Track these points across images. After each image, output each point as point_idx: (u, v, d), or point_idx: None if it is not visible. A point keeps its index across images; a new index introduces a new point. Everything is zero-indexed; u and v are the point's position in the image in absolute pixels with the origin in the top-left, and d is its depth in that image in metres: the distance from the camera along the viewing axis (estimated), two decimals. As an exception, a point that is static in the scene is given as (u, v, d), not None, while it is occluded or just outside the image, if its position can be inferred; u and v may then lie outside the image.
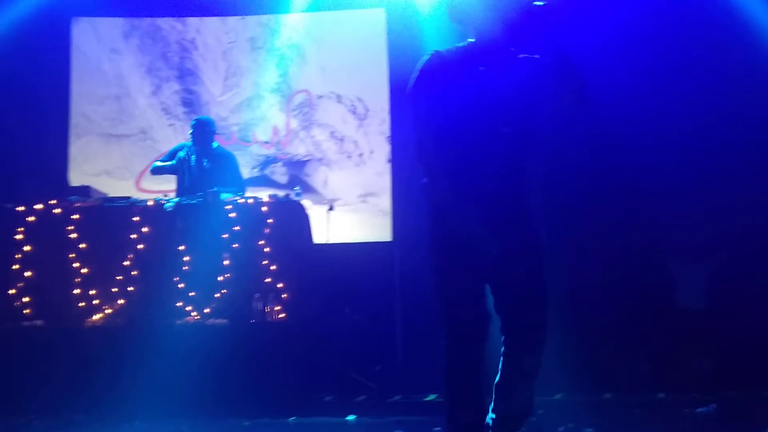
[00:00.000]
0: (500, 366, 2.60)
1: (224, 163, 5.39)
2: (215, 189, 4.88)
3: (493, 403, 2.61)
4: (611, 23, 5.38)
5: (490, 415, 2.59)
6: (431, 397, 4.48)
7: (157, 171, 5.51)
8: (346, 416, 4.25)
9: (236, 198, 4.94)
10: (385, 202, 6.31)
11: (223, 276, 4.71)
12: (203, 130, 5.36)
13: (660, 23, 5.47)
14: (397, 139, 6.29)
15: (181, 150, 5.46)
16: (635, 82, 5.38)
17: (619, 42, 5.36)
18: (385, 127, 6.47)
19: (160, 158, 5.64)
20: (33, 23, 6.02)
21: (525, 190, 2.57)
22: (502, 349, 2.61)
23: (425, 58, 2.58)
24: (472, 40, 2.60)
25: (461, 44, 2.62)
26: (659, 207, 5.35)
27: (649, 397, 4.56)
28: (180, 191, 5.31)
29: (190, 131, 5.40)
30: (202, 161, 5.35)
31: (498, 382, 2.60)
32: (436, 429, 3.64)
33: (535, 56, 2.54)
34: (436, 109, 2.53)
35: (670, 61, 5.44)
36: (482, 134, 2.50)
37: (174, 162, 5.43)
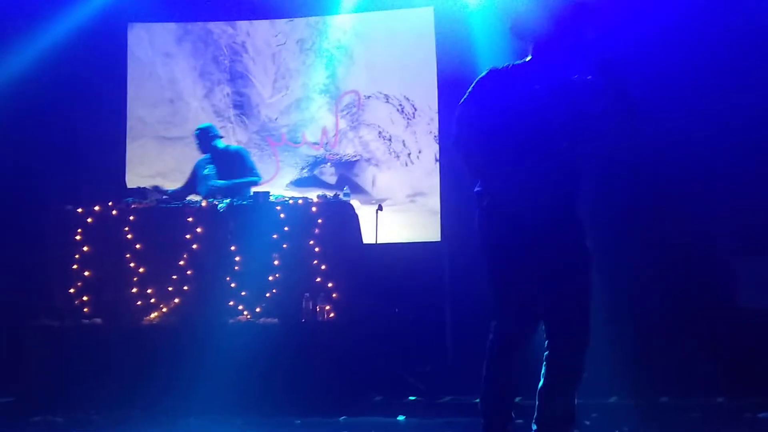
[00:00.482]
0: (543, 371, 2.65)
1: (233, 158, 5.52)
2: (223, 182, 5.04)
3: (536, 411, 2.67)
4: (662, 22, 5.30)
5: (533, 427, 2.68)
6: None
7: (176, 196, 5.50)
8: (395, 416, 4.25)
9: (286, 199, 5.01)
10: (434, 201, 6.28)
11: (274, 276, 4.78)
12: (205, 136, 5.54)
13: (710, 22, 5.34)
14: (445, 138, 6.26)
15: (198, 165, 5.62)
16: (685, 82, 5.28)
17: (672, 41, 5.28)
18: (434, 127, 6.44)
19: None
20: (90, 29, 6.22)
21: (573, 199, 2.68)
22: (546, 353, 2.66)
23: (482, 73, 2.76)
24: (529, 57, 2.74)
25: (519, 61, 2.76)
26: (718, 206, 5.18)
27: (707, 400, 4.41)
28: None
29: (195, 142, 5.58)
30: (210, 168, 5.50)
31: (541, 388, 2.65)
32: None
33: (588, 77, 2.67)
34: (483, 120, 2.69)
35: (722, 60, 5.28)
36: (530, 147, 2.62)
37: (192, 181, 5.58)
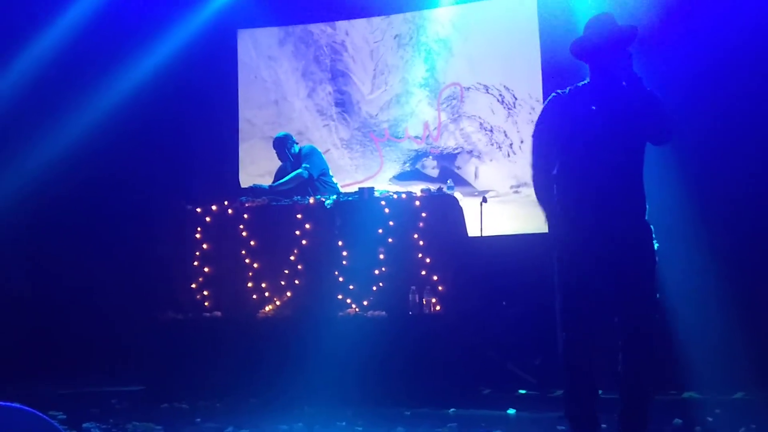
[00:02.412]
0: (620, 358, 2.88)
1: (303, 158, 5.52)
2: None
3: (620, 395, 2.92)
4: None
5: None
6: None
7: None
8: (506, 410, 4.21)
9: (390, 193, 5.06)
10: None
11: (380, 270, 4.85)
12: (282, 145, 5.61)
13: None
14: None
15: (279, 170, 5.69)
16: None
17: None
18: (535, 116, 6.24)
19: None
20: (203, 38, 6.57)
21: (642, 205, 2.92)
22: (620, 343, 2.89)
23: (547, 100, 3.09)
24: (587, 81, 3.01)
25: (581, 83, 3.02)
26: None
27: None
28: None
29: (275, 152, 5.66)
30: (293, 168, 5.54)
31: (620, 374, 2.89)
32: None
33: (638, 92, 2.91)
34: (550, 147, 2.99)
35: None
36: (594, 164, 2.88)
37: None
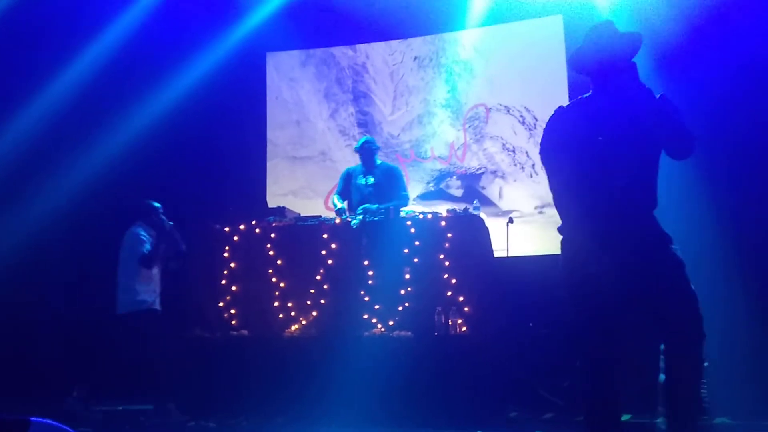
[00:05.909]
0: (662, 366, 2.70)
1: (390, 177, 5.54)
2: (377, 206, 5.11)
3: (662, 406, 2.78)
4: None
5: (658, 421, 2.82)
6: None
7: (332, 206, 5.67)
8: (532, 432, 4.20)
9: (416, 213, 5.09)
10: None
11: (405, 290, 4.86)
12: (369, 148, 5.55)
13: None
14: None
15: (349, 174, 5.68)
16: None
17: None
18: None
19: (335, 190, 5.79)
20: (232, 61, 6.69)
21: (651, 215, 2.68)
22: (662, 347, 2.70)
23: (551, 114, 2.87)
24: (588, 94, 2.80)
25: (585, 95, 2.81)
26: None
27: None
28: (351, 208, 5.52)
29: (359, 153, 5.59)
30: (368, 179, 5.54)
31: (664, 382, 2.68)
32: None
33: (646, 104, 2.68)
34: (555, 162, 2.80)
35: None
36: (597, 181, 2.67)
37: (342, 193, 5.64)
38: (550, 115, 2.84)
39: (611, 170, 2.63)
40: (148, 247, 4.91)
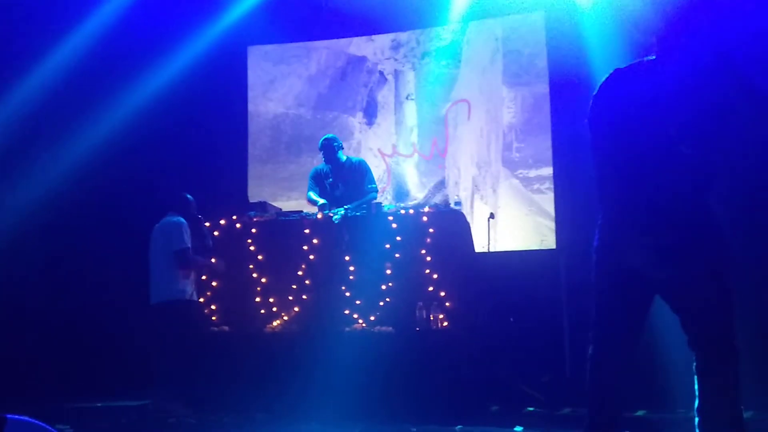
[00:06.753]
0: (696, 387, 2.49)
1: (356, 172, 5.54)
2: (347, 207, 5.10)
3: (696, 429, 2.49)
4: None
5: None
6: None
7: (312, 202, 5.65)
8: (513, 427, 4.18)
9: (398, 209, 5.07)
10: (549, 208, 6.15)
11: (387, 285, 4.85)
12: (330, 146, 5.52)
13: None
14: (558, 145, 6.12)
15: (318, 173, 5.66)
16: None
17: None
18: (539, 132, 6.32)
19: (308, 190, 5.76)
20: (213, 54, 6.64)
21: (705, 204, 2.46)
22: (694, 364, 2.51)
23: (606, 75, 2.62)
24: (653, 57, 2.57)
25: (646, 59, 2.60)
26: None
27: None
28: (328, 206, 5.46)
29: (321, 151, 5.57)
30: (337, 175, 5.53)
31: (698, 404, 2.48)
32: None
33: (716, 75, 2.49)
34: (608, 125, 2.56)
35: None
36: (656, 149, 2.44)
37: (317, 189, 5.62)
38: (606, 77, 2.62)
39: (674, 135, 2.39)
40: (187, 239, 4.83)
